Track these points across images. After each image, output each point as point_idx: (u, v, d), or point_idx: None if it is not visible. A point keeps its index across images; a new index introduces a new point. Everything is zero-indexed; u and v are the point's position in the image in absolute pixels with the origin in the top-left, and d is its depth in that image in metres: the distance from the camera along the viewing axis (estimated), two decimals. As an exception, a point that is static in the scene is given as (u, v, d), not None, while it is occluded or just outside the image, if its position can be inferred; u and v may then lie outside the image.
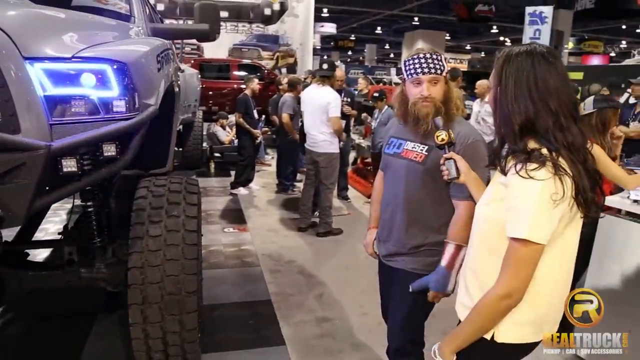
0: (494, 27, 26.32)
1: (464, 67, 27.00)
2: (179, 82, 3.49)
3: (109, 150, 1.98)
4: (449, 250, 1.84)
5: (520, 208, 1.19)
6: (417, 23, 26.45)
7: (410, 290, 1.91)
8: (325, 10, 23.68)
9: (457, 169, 1.64)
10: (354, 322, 3.28)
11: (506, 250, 1.24)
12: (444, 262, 1.85)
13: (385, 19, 27.45)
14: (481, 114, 6.28)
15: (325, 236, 5.02)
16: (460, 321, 1.45)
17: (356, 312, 3.39)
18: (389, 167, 2.06)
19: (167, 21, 7.98)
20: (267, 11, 14.10)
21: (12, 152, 1.69)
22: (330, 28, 27.06)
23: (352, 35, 33.39)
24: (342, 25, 28.82)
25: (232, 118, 8.48)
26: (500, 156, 1.32)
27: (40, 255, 3.51)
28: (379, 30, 31.32)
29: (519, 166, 1.20)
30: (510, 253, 1.22)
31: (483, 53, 37.24)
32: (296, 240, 4.97)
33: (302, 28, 14.72)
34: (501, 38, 29.76)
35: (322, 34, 27.24)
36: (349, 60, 38.76)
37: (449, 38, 29.93)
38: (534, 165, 1.17)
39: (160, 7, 12.54)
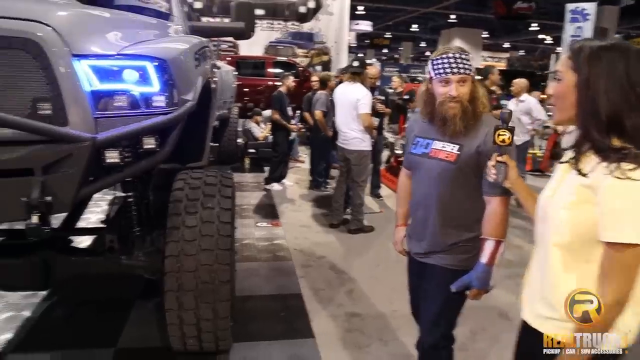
0: (534, 24, 25.61)
1: (501, 65, 26.38)
2: (215, 79, 3.59)
3: (149, 143, 2.06)
4: (489, 246, 1.85)
5: (623, 211, 1.14)
6: (454, 20, 26.04)
7: (453, 290, 1.91)
8: (360, 7, 23.61)
9: (506, 174, 1.60)
10: (383, 318, 3.30)
11: (606, 257, 1.19)
12: (484, 259, 1.86)
13: (421, 17, 27.15)
14: (516, 113, 6.16)
15: (357, 233, 5.04)
16: (527, 330, 1.39)
17: (386, 308, 3.41)
18: (417, 168, 2.06)
19: (204, 19, 8.15)
20: (302, 9, 14.18)
21: (61, 143, 1.80)
22: (365, 26, 26.92)
23: (388, 33, 33.14)
24: (378, 23, 28.66)
25: (266, 114, 8.59)
26: (579, 153, 1.26)
27: (83, 243, 3.67)
28: (415, 27, 30.99)
29: (612, 166, 1.15)
30: (614, 259, 1.17)
31: (523, 51, 36.31)
32: (328, 237, 5.00)
33: (336, 26, 14.75)
34: (540, 36, 28.93)
35: (357, 32, 27.17)
36: (384, 58, 38.51)
37: (486, 36, 29.32)
38: (632, 166, 1.12)
39: (199, 5, 12.81)
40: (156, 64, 2.02)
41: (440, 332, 2.06)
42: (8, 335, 2.95)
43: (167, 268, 2.30)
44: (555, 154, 7.84)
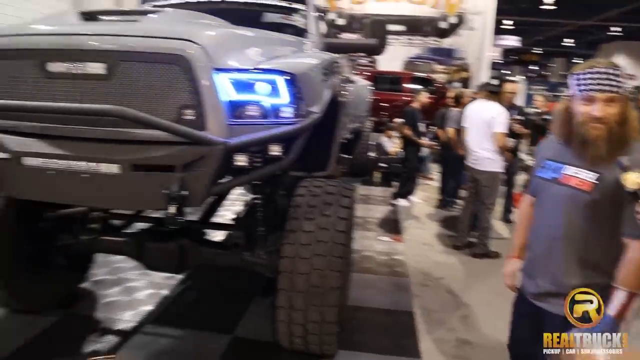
0: None
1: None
2: (345, 93, 3.73)
3: (275, 150, 2.24)
4: (619, 297, 1.59)
5: None
6: (617, 33, 23.39)
7: None
8: (508, 22, 22.47)
9: None
10: (495, 352, 3.07)
11: None
12: (612, 311, 1.59)
13: (576, 30, 24.91)
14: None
15: (481, 258, 4.79)
16: None
17: (500, 341, 3.14)
18: (543, 194, 1.85)
19: (345, 35, 8.47)
20: (443, 24, 13.96)
21: (198, 145, 2.05)
22: (512, 41, 25.48)
23: (538, 49, 31.00)
24: (527, 38, 26.96)
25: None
26: None
27: (216, 237, 4.04)
28: (569, 42, 28.53)
29: None
30: None
31: None
32: (450, 258, 4.84)
33: (479, 41, 14.22)
34: None
35: (503, 48, 25.85)
36: (533, 75, 36.02)
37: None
38: None
39: (341, 22, 13.38)
40: (287, 78, 2.19)
41: None
42: (149, 308, 3.41)
43: (281, 268, 2.45)
44: None
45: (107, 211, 3.13)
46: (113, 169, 2.06)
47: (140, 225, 3.23)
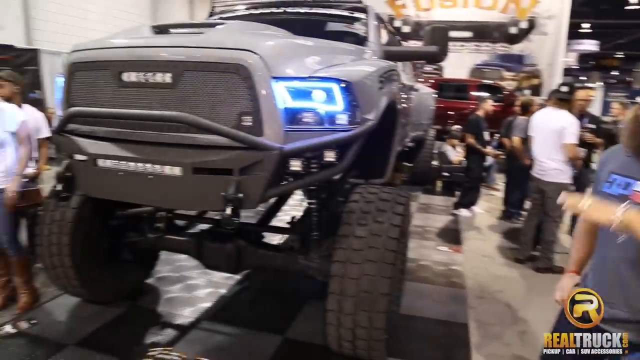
0: None
1: None
2: (403, 101, 3.71)
3: (329, 156, 2.29)
4: None
5: None
6: None
7: None
8: (585, 25, 21.24)
9: None
10: (556, 370, 2.96)
11: None
12: None
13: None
14: None
15: (544, 272, 4.58)
16: None
17: None
18: None
19: (411, 42, 8.39)
20: (513, 30, 13.43)
21: (255, 150, 2.14)
22: (590, 45, 24.01)
23: (619, 53, 28.98)
24: (607, 42, 25.30)
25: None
26: None
27: (274, 240, 4.16)
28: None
29: None
30: None
31: None
32: (510, 271, 4.67)
33: (551, 46, 13.52)
34: None
35: (579, 53, 24.41)
36: (613, 81, 33.69)
37: None
38: None
39: (407, 29, 13.28)
40: (342, 85, 2.24)
41: None
42: (207, 305, 3.58)
43: (333, 272, 2.49)
44: None
45: (172, 211, 3.32)
46: (176, 171, 2.20)
47: (202, 226, 3.39)
